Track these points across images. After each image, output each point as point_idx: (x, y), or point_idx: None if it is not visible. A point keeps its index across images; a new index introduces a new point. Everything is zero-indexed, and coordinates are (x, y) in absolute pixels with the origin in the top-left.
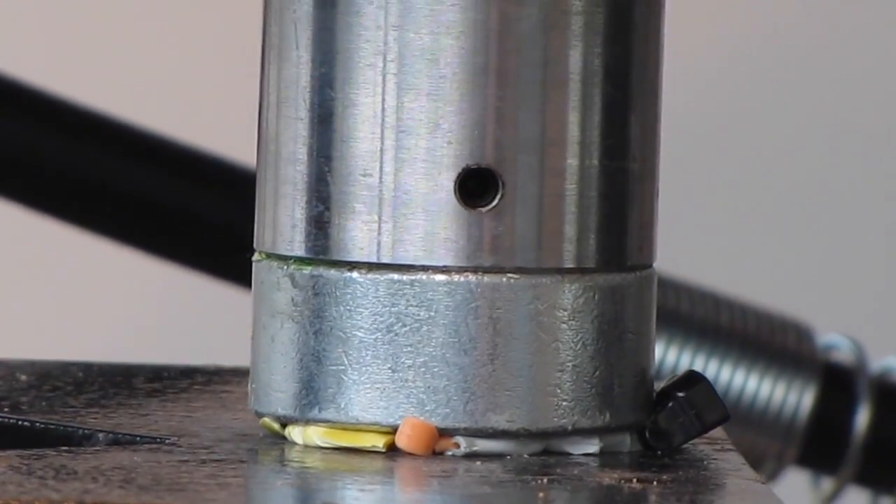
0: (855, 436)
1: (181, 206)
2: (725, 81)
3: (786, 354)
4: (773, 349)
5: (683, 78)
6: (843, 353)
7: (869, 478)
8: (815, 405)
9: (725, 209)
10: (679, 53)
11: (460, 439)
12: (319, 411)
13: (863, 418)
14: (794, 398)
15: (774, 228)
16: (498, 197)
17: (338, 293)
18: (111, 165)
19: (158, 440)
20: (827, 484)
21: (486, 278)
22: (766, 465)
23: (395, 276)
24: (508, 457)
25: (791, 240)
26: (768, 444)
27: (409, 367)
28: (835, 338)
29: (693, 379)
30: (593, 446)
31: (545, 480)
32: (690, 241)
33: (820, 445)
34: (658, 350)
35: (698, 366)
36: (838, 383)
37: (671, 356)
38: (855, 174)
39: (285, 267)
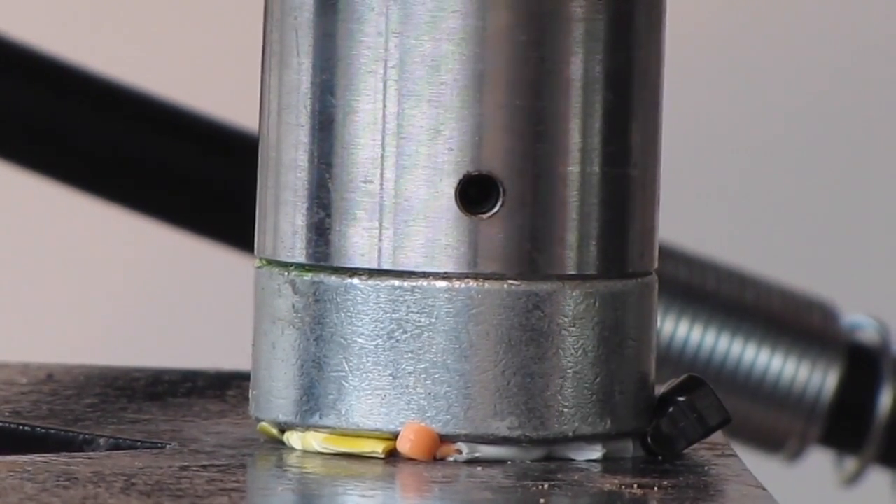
0: (878, 416)
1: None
2: (741, 46)
3: (811, 334)
4: (798, 328)
5: (690, 75)
6: (868, 334)
7: (892, 458)
8: (839, 385)
9: (752, 188)
10: (681, 54)
11: (462, 445)
12: (320, 418)
13: (886, 399)
14: (819, 378)
15: (799, 208)
16: (499, 203)
17: (338, 300)
18: (132, 135)
19: (159, 445)
20: (850, 464)
21: (487, 285)
22: (789, 444)
23: (396, 282)
24: (510, 462)
25: (816, 219)
26: (792, 423)
27: (410, 373)
28: (860, 318)
29: (693, 383)
30: (596, 452)
31: (546, 486)
32: (717, 219)
33: (843, 425)
34: (683, 328)
35: (723, 343)
36: (862, 363)
37: (696, 334)
38: (882, 152)
39: (286, 273)
